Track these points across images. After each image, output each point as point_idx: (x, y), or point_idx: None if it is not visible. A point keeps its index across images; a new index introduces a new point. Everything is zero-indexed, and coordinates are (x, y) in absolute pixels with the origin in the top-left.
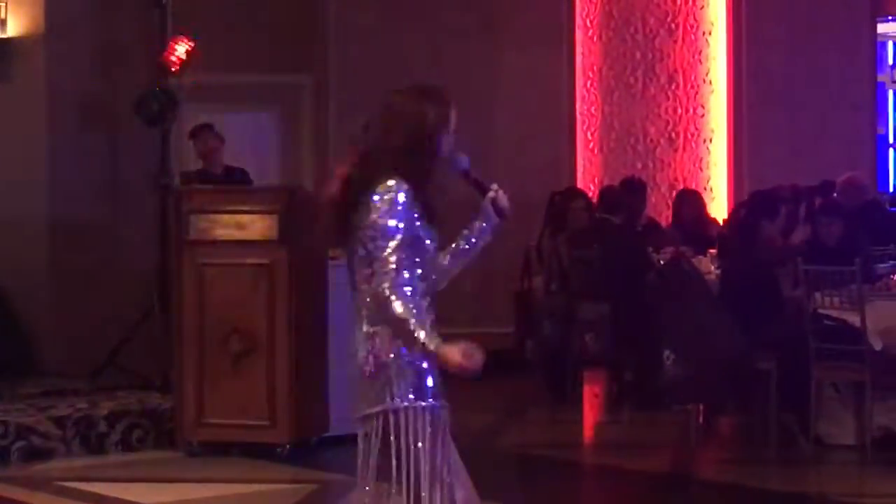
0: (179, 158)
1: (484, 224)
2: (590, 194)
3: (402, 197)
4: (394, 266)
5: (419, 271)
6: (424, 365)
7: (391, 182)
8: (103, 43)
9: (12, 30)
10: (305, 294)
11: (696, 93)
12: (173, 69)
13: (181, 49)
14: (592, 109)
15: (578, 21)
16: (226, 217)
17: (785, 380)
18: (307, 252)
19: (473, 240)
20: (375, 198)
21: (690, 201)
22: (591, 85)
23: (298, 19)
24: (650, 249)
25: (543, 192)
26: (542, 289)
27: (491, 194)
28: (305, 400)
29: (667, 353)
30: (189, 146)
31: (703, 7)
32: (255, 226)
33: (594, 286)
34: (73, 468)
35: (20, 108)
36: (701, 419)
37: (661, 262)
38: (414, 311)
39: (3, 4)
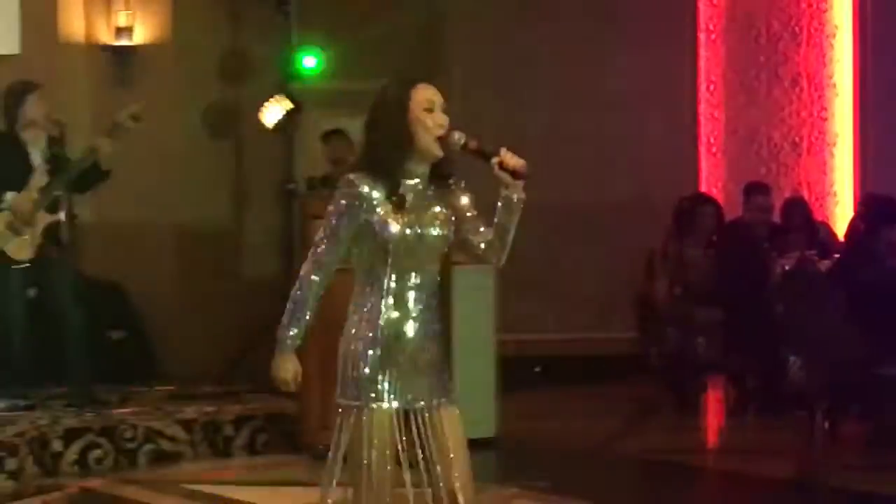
0: (305, 164)
1: (506, 192)
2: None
3: (337, 193)
4: (311, 251)
5: (389, 260)
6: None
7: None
8: (229, 50)
9: (140, 38)
10: None
11: (821, 96)
12: (299, 75)
13: (307, 56)
14: (715, 113)
15: (701, 24)
16: None
17: None
18: None
19: (504, 212)
20: None
21: (798, 208)
22: (714, 88)
23: (423, 24)
24: (774, 254)
25: (665, 195)
26: (665, 293)
27: (496, 159)
28: None
29: (792, 358)
30: (316, 151)
31: (827, 10)
32: None
33: (713, 290)
34: (200, 471)
35: (147, 116)
36: (826, 424)
37: (786, 267)
38: (304, 293)
39: (131, 13)
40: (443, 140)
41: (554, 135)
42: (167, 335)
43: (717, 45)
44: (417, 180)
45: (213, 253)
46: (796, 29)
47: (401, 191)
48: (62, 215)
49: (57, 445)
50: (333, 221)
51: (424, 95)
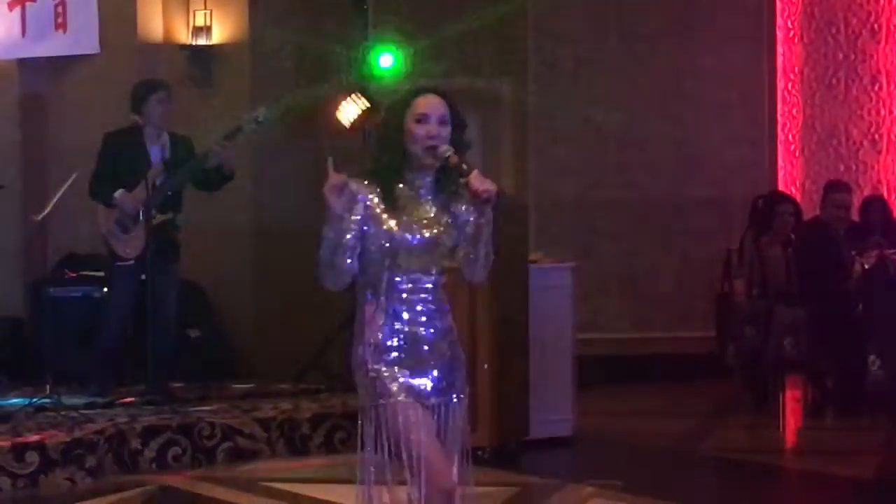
0: None
1: (471, 217)
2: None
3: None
4: None
5: (386, 262)
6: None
7: None
8: (306, 49)
9: (217, 37)
10: (506, 298)
11: None
12: (376, 73)
13: (384, 54)
14: (794, 111)
15: (779, 22)
16: None
17: None
18: (508, 255)
19: (471, 230)
20: None
21: (878, 206)
22: (792, 87)
23: (498, 23)
24: (853, 252)
25: (744, 194)
26: (743, 293)
27: (463, 180)
28: (506, 403)
29: (872, 357)
30: None
31: None
32: None
33: (791, 289)
34: (277, 469)
35: (225, 114)
36: None
37: (865, 266)
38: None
39: (208, 12)
40: (432, 151)
41: (631, 134)
42: (245, 333)
43: (795, 43)
44: (418, 186)
45: (291, 251)
46: (875, 26)
47: (396, 195)
48: (171, 215)
49: (136, 443)
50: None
51: (419, 107)
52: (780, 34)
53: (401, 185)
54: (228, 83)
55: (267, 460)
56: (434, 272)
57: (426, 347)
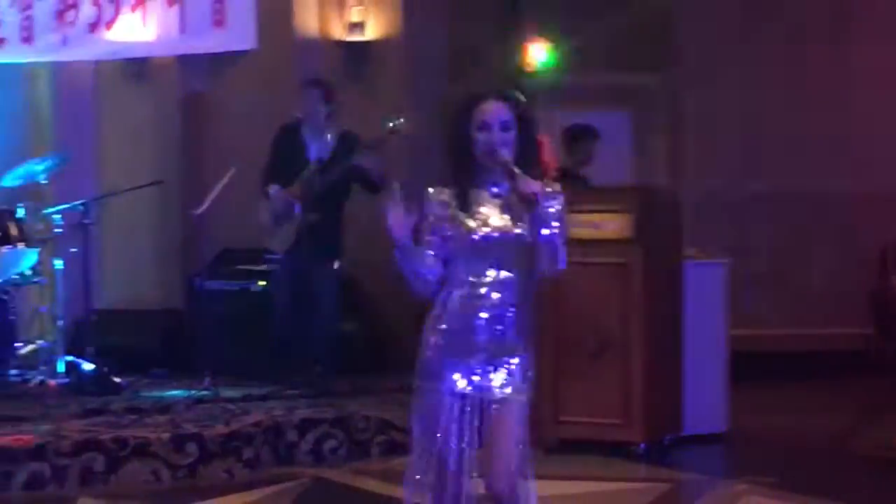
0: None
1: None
2: None
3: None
4: None
5: (459, 257)
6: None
7: None
8: (459, 45)
9: (371, 33)
10: (660, 293)
11: None
12: (529, 70)
13: (537, 51)
14: None
15: None
16: (582, 216)
17: None
18: (662, 251)
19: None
20: None
21: None
22: None
23: (650, 19)
24: None
25: None
26: None
27: (512, 183)
28: (660, 399)
29: None
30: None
31: None
32: (610, 225)
33: None
34: None
35: (379, 110)
36: None
37: None
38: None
39: (364, 9)
40: (491, 156)
41: (784, 131)
42: (399, 328)
43: None
44: (490, 187)
45: None
46: None
47: (469, 197)
48: (319, 215)
49: (292, 435)
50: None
51: (481, 114)
52: None
53: (475, 187)
54: (382, 80)
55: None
56: (505, 269)
57: (487, 340)
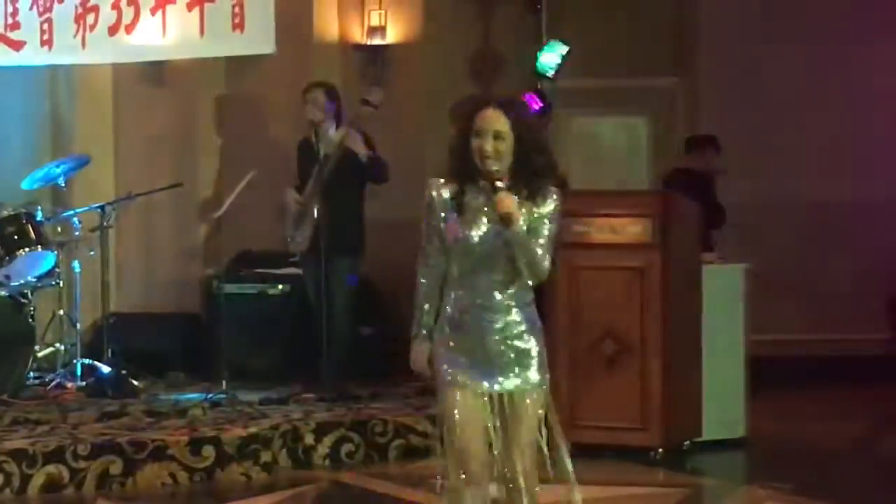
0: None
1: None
2: None
3: (426, 192)
4: (420, 252)
5: (455, 258)
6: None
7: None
8: (479, 48)
9: (392, 37)
10: (679, 298)
11: None
12: (548, 74)
13: (556, 54)
14: None
15: None
16: (600, 220)
17: None
18: (681, 256)
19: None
20: None
21: None
22: None
23: (670, 23)
24: None
25: None
26: None
27: (494, 198)
28: (678, 404)
29: None
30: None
31: None
32: (629, 229)
33: None
34: None
35: (398, 113)
36: None
37: None
38: (419, 292)
39: (383, 12)
40: (482, 163)
41: (805, 136)
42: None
43: None
44: (485, 191)
45: None
46: None
47: (465, 199)
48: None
49: (309, 439)
50: (424, 222)
51: (477, 122)
52: None
53: (471, 190)
54: (402, 83)
55: (438, 458)
56: (496, 272)
57: (492, 340)
